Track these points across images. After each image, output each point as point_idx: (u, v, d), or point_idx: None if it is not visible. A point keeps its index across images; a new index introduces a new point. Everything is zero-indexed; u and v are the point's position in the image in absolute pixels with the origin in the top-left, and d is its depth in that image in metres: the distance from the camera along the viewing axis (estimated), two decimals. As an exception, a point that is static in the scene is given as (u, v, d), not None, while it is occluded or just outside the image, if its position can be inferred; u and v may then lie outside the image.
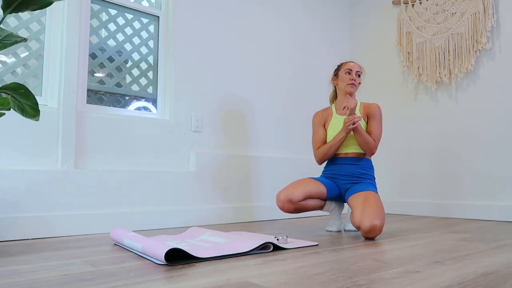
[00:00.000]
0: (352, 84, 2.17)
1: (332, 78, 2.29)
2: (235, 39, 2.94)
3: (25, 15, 2.16)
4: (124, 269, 1.24)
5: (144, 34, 2.60)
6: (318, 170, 3.23)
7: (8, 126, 2.00)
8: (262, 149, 3.02)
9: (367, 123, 2.16)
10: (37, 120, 1.56)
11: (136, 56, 2.56)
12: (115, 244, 1.75)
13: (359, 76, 2.20)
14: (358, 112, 2.18)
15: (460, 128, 3.03)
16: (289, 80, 3.26)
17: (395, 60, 3.48)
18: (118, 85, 2.48)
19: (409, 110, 3.35)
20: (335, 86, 2.30)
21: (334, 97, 2.32)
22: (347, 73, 2.19)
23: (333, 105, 2.29)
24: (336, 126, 2.19)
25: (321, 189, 2.12)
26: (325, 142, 2.23)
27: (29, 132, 2.06)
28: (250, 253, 1.50)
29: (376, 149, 2.10)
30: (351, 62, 2.24)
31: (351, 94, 2.20)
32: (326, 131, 2.25)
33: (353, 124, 2.01)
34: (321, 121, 2.27)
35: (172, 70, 2.60)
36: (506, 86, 2.81)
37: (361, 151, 2.15)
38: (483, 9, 2.92)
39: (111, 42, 2.47)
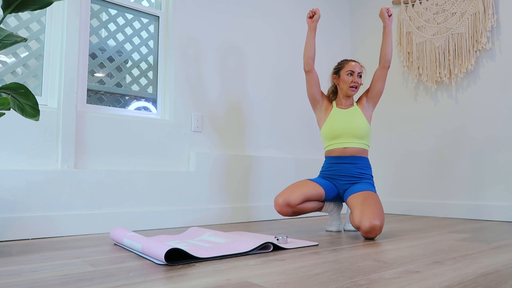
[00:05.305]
0: (354, 86, 2.13)
1: (333, 76, 2.21)
2: (235, 39, 2.94)
3: (25, 15, 2.16)
4: (124, 269, 1.24)
5: (144, 34, 2.60)
6: (317, 170, 3.23)
7: (8, 126, 2.00)
8: (262, 149, 3.02)
9: (368, 90, 2.19)
10: (37, 120, 1.56)
11: (136, 56, 2.56)
12: (115, 244, 1.75)
13: (360, 76, 2.15)
14: (356, 109, 2.16)
15: (460, 128, 3.03)
16: (289, 80, 3.26)
17: (395, 60, 3.48)
18: (118, 85, 2.48)
19: (409, 110, 3.35)
20: (335, 84, 2.24)
21: (333, 92, 2.27)
22: (349, 75, 2.13)
23: (333, 102, 2.24)
24: (335, 118, 2.14)
25: (319, 191, 2.10)
26: (316, 84, 2.19)
27: (29, 132, 2.06)
28: (250, 253, 1.50)
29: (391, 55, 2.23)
30: (352, 61, 2.16)
31: (351, 97, 2.18)
32: (323, 108, 2.22)
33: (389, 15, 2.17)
34: (325, 97, 2.24)
35: (172, 70, 2.60)
36: (506, 86, 2.81)
37: (360, 147, 2.11)
38: (483, 9, 2.92)
39: (111, 42, 2.47)
